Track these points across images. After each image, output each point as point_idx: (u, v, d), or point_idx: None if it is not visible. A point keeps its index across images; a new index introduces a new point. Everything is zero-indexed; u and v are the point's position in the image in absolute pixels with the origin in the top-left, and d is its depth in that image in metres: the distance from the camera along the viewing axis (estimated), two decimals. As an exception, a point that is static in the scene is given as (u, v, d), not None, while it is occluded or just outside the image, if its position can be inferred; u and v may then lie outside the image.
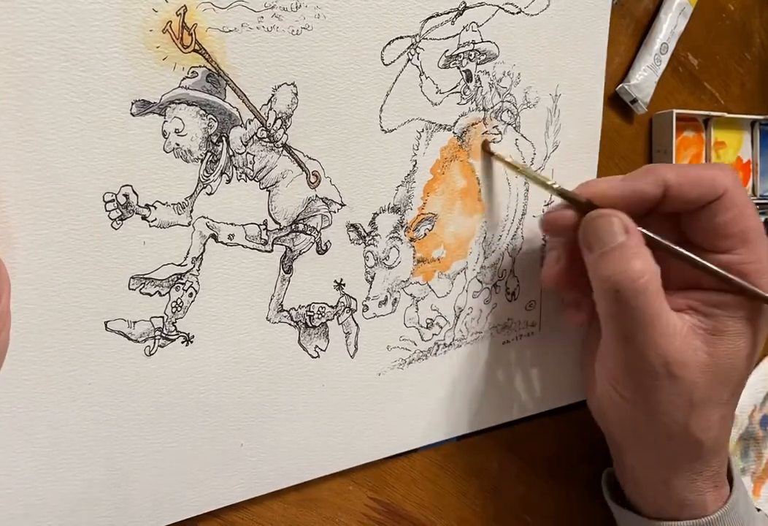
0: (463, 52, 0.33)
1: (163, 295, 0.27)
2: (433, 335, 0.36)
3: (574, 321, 0.37)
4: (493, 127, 0.36)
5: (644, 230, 0.31)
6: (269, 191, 0.29)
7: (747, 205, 0.30)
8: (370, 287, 0.33)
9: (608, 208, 0.31)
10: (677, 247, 0.31)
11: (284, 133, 0.29)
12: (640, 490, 0.37)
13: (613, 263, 0.29)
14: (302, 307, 0.31)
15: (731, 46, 0.47)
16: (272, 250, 0.30)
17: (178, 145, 0.26)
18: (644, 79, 0.41)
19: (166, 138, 0.26)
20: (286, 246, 0.30)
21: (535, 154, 0.38)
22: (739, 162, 0.49)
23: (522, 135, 0.37)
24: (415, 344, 0.36)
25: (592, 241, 0.31)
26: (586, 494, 0.43)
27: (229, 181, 0.28)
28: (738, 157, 0.49)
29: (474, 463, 0.40)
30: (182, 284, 0.28)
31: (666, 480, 0.34)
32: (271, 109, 0.28)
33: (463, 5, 0.32)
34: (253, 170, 0.28)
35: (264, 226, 0.29)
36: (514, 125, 0.36)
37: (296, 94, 0.28)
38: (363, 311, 0.33)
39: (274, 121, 0.28)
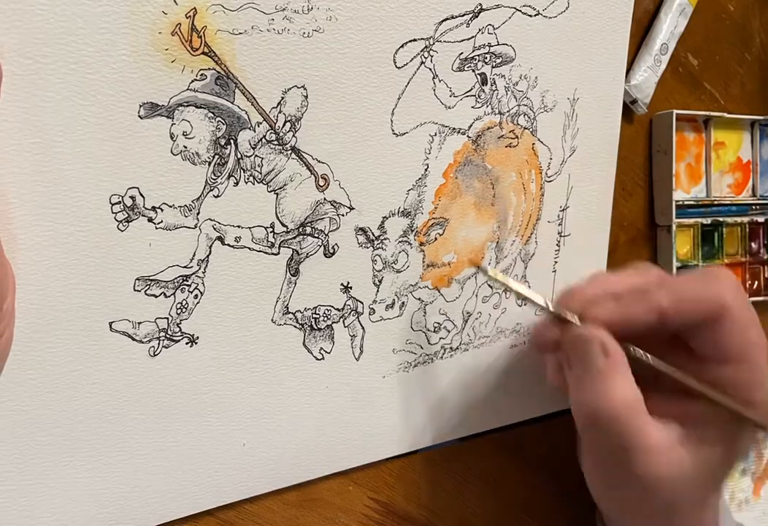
0: (478, 55, 0.32)
1: (169, 296, 0.27)
2: (440, 338, 0.36)
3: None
4: (510, 131, 0.35)
5: (633, 348, 0.30)
6: (277, 194, 0.29)
7: (749, 320, 0.29)
8: (378, 291, 0.33)
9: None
10: (664, 368, 0.30)
11: (293, 136, 0.28)
12: None
13: (588, 390, 0.29)
14: (308, 309, 0.31)
15: (731, 46, 0.47)
16: (279, 253, 0.30)
17: (185, 147, 0.26)
18: (644, 79, 0.40)
19: (174, 140, 0.26)
20: (293, 249, 0.30)
21: (551, 158, 0.37)
22: (739, 162, 0.48)
23: (539, 139, 0.36)
24: (422, 348, 0.35)
25: (570, 361, 0.30)
26: (585, 495, 0.43)
27: (236, 183, 0.28)
28: (738, 158, 0.48)
29: (474, 464, 0.40)
30: (188, 285, 0.28)
31: None
32: (280, 111, 0.28)
33: (479, 7, 0.31)
34: (261, 173, 0.28)
35: (271, 229, 0.29)
36: (530, 129, 0.36)
37: (306, 97, 0.28)
38: (369, 314, 0.33)
39: (283, 124, 0.28)
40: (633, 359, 0.29)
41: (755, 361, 0.29)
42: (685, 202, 0.45)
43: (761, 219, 0.49)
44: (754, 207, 0.49)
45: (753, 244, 0.49)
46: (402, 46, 0.30)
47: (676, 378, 0.30)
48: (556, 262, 0.39)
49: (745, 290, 0.49)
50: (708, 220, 0.47)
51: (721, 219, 0.47)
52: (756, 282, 0.49)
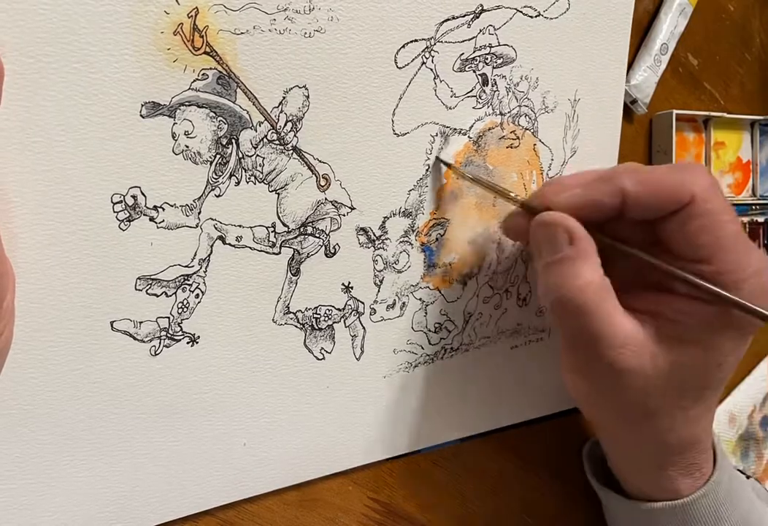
0: (479, 56, 0.32)
1: (170, 296, 0.27)
2: (441, 339, 0.36)
3: None
4: (511, 132, 0.35)
5: (603, 236, 0.29)
6: (278, 194, 0.29)
7: (721, 211, 0.27)
8: (378, 291, 0.33)
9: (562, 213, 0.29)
10: (640, 253, 0.28)
11: (294, 135, 0.28)
12: (617, 469, 0.36)
13: (554, 276, 0.28)
14: (309, 309, 0.31)
15: (731, 46, 0.47)
16: (280, 253, 0.30)
17: (187, 147, 0.26)
18: (644, 79, 0.40)
19: (176, 140, 0.26)
20: (294, 249, 0.30)
21: (552, 159, 0.37)
22: (739, 162, 0.48)
23: (540, 140, 0.36)
24: (422, 348, 0.35)
25: (537, 250, 0.29)
26: (585, 495, 0.43)
27: (238, 183, 0.28)
28: (738, 158, 0.48)
29: (474, 464, 0.40)
30: (189, 285, 0.28)
31: (637, 467, 0.34)
32: (281, 111, 0.28)
33: (480, 8, 0.31)
34: (262, 173, 0.28)
35: (272, 229, 0.29)
36: (531, 130, 0.36)
37: (308, 97, 0.28)
38: (370, 314, 0.33)
39: (285, 124, 0.28)
40: (603, 250, 0.28)
41: (731, 254, 0.27)
42: (686, 203, 0.45)
43: (761, 219, 0.49)
44: (754, 207, 0.49)
45: (753, 245, 0.49)
46: (403, 46, 0.30)
47: (650, 263, 0.28)
48: (556, 262, 0.39)
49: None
50: (708, 221, 0.47)
51: (721, 219, 0.47)
52: (756, 282, 0.49)
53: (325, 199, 0.30)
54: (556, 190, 0.29)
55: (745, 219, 0.48)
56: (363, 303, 0.33)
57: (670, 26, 0.41)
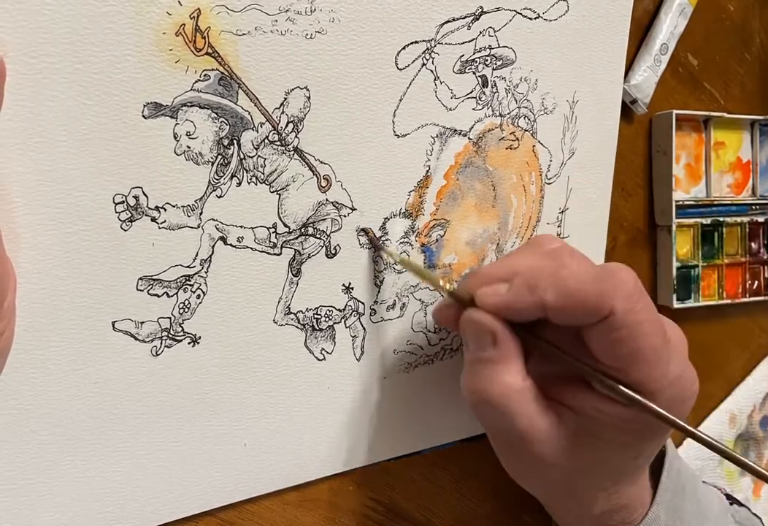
0: (479, 58, 0.32)
1: (171, 296, 0.28)
2: (441, 339, 0.36)
3: None
4: (510, 133, 0.35)
5: (527, 334, 0.29)
6: (279, 195, 0.29)
7: (641, 322, 0.26)
8: (379, 292, 0.33)
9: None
10: (562, 354, 0.29)
11: (296, 136, 0.29)
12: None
13: (477, 377, 0.28)
14: (310, 310, 0.31)
15: (731, 46, 0.47)
16: (281, 254, 0.30)
17: (189, 147, 0.26)
18: (644, 79, 0.41)
19: (177, 140, 0.26)
20: (295, 249, 0.30)
21: (551, 161, 0.37)
22: (739, 162, 0.48)
23: (539, 141, 0.37)
24: (422, 349, 0.36)
25: (465, 342, 0.30)
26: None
27: (239, 184, 0.28)
28: (738, 158, 0.48)
29: (474, 464, 0.40)
30: (190, 285, 0.28)
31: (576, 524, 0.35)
32: (283, 112, 0.28)
33: (480, 10, 0.32)
34: (263, 173, 0.28)
35: (273, 230, 0.29)
36: (531, 131, 0.36)
37: (309, 98, 0.28)
38: (371, 314, 0.33)
39: (286, 125, 0.28)
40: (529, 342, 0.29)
41: (650, 366, 0.27)
42: (685, 203, 0.45)
43: (761, 219, 0.49)
44: (753, 207, 0.49)
45: (753, 244, 0.49)
46: (404, 47, 0.30)
47: (569, 363, 0.28)
48: (556, 263, 0.39)
49: (744, 290, 0.49)
50: (708, 221, 0.47)
51: (720, 219, 0.47)
52: (756, 282, 0.50)
53: (326, 200, 0.30)
54: (481, 283, 0.29)
55: (745, 219, 0.48)
56: (363, 304, 0.33)
57: (670, 26, 0.41)
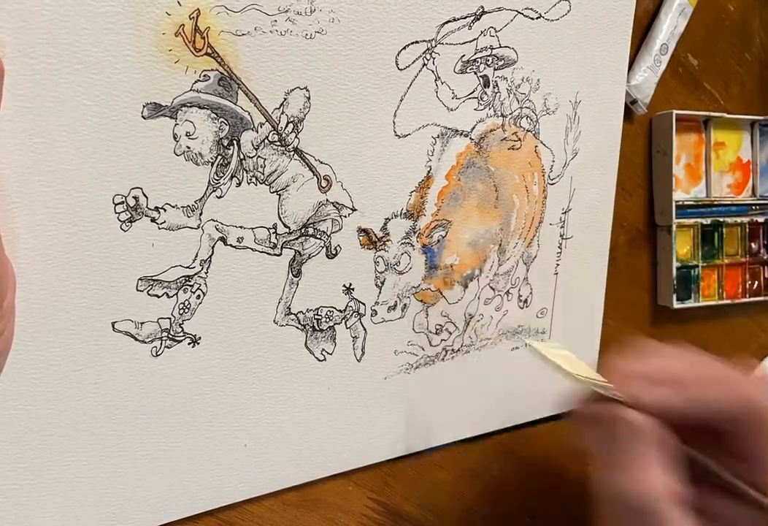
0: (480, 58, 0.32)
1: (171, 296, 0.27)
2: (442, 340, 0.36)
3: None
4: (512, 134, 0.35)
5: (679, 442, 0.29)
6: (279, 195, 0.29)
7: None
8: (380, 292, 0.33)
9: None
10: (700, 459, 0.29)
11: (296, 137, 0.28)
12: None
13: (621, 470, 0.28)
14: (310, 310, 0.31)
15: (731, 46, 0.47)
16: (281, 254, 0.30)
17: (188, 148, 0.26)
18: (644, 79, 0.40)
19: (177, 141, 0.26)
20: (295, 250, 0.30)
21: (554, 161, 0.37)
22: (739, 162, 0.48)
23: (541, 142, 0.36)
24: (423, 349, 0.35)
25: (610, 440, 0.29)
26: (585, 495, 0.43)
27: (239, 184, 0.28)
28: (738, 158, 0.48)
29: (473, 464, 0.40)
30: (190, 285, 0.28)
31: None
32: (283, 113, 0.28)
33: (481, 10, 0.31)
34: (263, 174, 0.28)
35: (273, 230, 0.29)
36: (533, 132, 0.36)
37: (309, 99, 0.28)
38: (371, 315, 0.33)
39: (286, 125, 0.28)
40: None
41: None
42: (685, 203, 0.45)
43: (761, 219, 0.49)
44: (753, 207, 0.49)
45: (753, 245, 0.49)
46: (404, 47, 0.30)
47: (709, 469, 0.29)
48: (558, 264, 0.39)
49: (744, 290, 0.49)
50: (708, 221, 0.47)
51: (720, 219, 0.47)
52: (756, 282, 0.50)
53: (327, 200, 0.30)
54: (638, 384, 0.29)
55: (745, 219, 0.48)
56: (364, 304, 0.33)
57: (670, 26, 0.41)
